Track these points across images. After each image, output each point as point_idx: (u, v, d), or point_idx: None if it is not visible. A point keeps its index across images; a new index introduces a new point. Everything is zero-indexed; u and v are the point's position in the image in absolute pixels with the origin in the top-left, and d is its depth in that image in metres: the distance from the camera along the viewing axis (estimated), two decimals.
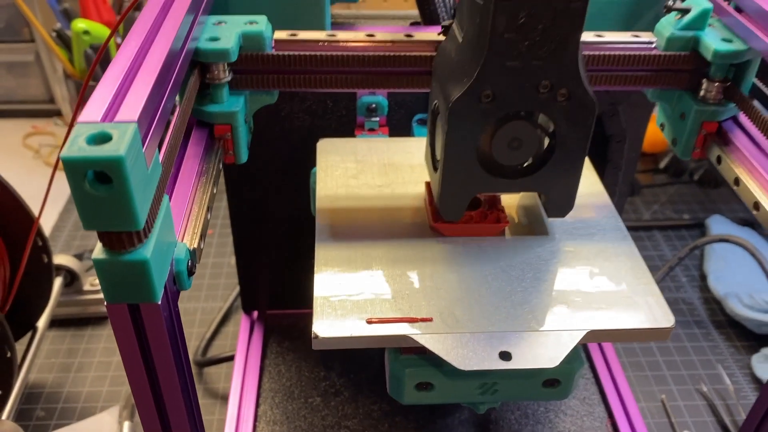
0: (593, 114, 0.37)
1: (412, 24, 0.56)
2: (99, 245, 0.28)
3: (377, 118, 0.54)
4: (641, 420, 0.61)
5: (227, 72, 0.40)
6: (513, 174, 0.40)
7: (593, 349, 0.69)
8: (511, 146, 0.39)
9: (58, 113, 1.09)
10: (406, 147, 0.51)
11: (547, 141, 0.39)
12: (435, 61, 0.41)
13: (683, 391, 0.70)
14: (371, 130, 0.54)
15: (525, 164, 0.40)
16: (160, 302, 0.30)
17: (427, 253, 0.42)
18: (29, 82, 1.07)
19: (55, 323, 0.75)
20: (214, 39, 0.38)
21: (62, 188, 1.02)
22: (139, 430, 0.65)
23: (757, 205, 0.38)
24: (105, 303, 0.30)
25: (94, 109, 0.28)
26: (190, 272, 0.33)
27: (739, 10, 0.42)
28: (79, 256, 0.84)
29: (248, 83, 0.41)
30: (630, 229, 0.88)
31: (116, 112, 0.28)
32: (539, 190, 0.41)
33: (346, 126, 0.57)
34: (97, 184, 0.26)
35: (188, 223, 0.34)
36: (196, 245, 0.34)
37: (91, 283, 0.76)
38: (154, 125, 0.30)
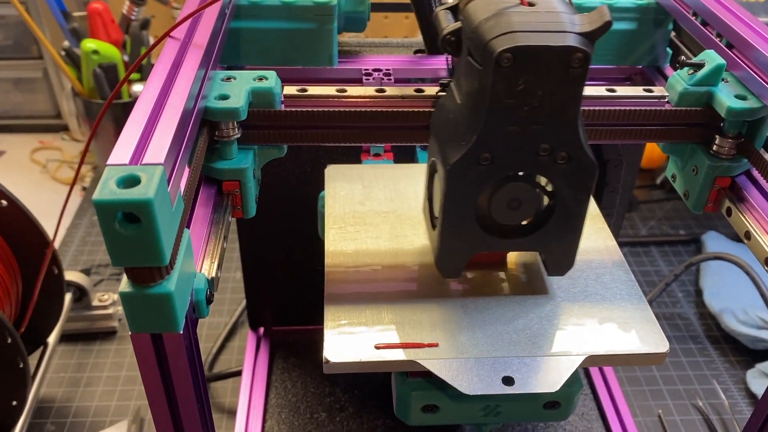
0: (593, 176, 0.37)
1: (416, 52, 0.57)
2: (125, 279, 0.30)
3: (383, 144, 0.56)
4: None
5: (236, 129, 0.39)
6: (512, 233, 0.40)
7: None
8: (511, 206, 0.39)
9: (65, 128, 1.11)
10: (410, 173, 0.53)
11: (546, 200, 0.39)
12: (433, 117, 0.40)
13: (679, 405, 0.72)
14: (376, 155, 0.56)
15: (525, 223, 0.40)
16: (182, 332, 0.31)
17: (433, 280, 0.43)
18: (36, 97, 1.09)
19: (63, 338, 0.77)
20: (224, 97, 0.38)
21: (70, 204, 1.03)
22: None
23: None
24: (129, 332, 0.31)
25: (122, 152, 0.29)
26: (209, 301, 0.34)
27: (695, 14, 0.42)
28: (87, 272, 0.85)
29: (257, 139, 0.41)
30: (627, 245, 0.91)
31: (143, 154, 0.30)
32: (539, 249, 0.41)
33: (352, 150, 0.59)
34: (126, 224, 0.28)
35: (206, 252, 0.36)
36: (214, 274, 0.35)
37: (99, 298, 0.78)
38: (177, 165, 0.31)
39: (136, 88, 0.93)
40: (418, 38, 0.58)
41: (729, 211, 0.42)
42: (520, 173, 0.38)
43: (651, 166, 1.04)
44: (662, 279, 0.83)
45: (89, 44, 0.88)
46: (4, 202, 0.60)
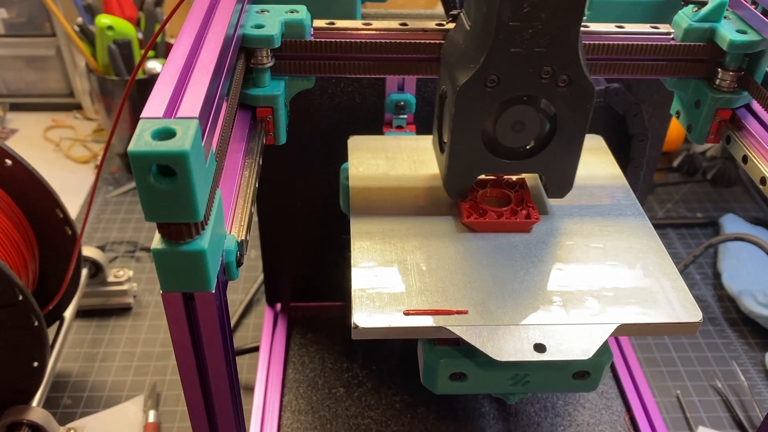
0: (592, 98, 0.40)
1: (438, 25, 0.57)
2: (157, 236, 0.30)
3: (405, 116, 0.55)
4: (659, 414, 0.63)
5: (270, 57, 0.42)
6: (516, 156, 0.43)
7: (611, 344, 0.70)
8: (514, 129, 0.41)
9: (77, 107, 1.11)
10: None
11: (548, 124, 0.41)
12: (443, 48, 0.43)
13: (698, 386, 0.71)
14: (399, 127, 0.56)
15: (527, 146, 0.42)
16: (213, 291, 0.31)
17: (460, 248, 0.43)
18: (49, 75, 1.08)
19: (79, 314, 0.77)
20: (259, 26, 0.41)
21: (84, 182, 1.03)
22: (163, 419, 0.66)
23: (763, 180, 0.41)
24: (160, 291, 0.31)
25: (156, 106, 0.29)
26: (239, 263, 0.34)
27: (754, 3, 0.44)
28: (102, 248, 0.85)
29: (289, 68, 0.44)
30: None
31: (177, 108, 0.29)
32: (540, 171, 0.43)
33: (373, 123, 0.58)
34: (160, 177, 0.27)
35: (235, 215, 0.36)
36: (243, 237, 0.35)
37: (115, 274, 0.78)
38: (210, 121, 0.31)
39: (152, 65, 0.92)
40: (439, 11, 0.57)
41: (729, 139, 0.45)
42: (524, 97, 0.40)
43: (668, 149, 1.03)
44: (680, 261, 0.82)
45: (104, 20, 0.87)
46: (9, 162, 0.59)
